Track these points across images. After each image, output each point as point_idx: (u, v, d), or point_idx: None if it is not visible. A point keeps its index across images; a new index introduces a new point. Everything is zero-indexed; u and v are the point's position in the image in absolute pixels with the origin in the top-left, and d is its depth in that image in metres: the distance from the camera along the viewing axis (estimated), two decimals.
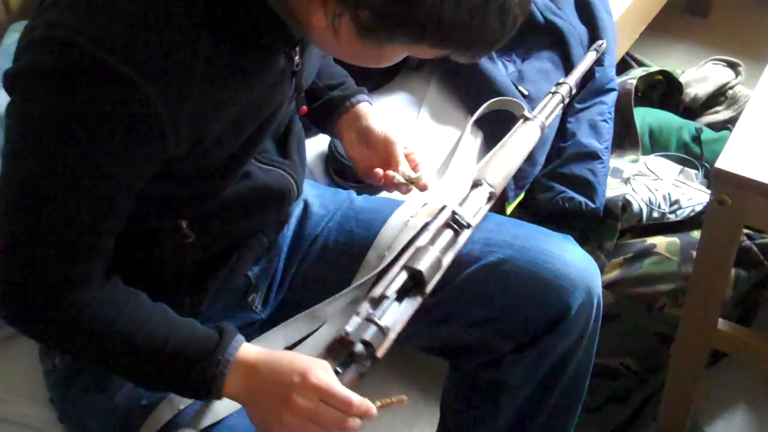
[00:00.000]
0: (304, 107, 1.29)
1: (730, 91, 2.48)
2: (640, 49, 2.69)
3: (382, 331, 1.12)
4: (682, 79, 2.48)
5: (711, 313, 1.68)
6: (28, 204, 1.01)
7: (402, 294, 1.18)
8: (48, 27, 0.96)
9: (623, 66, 2.56)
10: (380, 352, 1.12)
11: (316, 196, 1.48)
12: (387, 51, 1.06)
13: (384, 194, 1.48)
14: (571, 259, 1.37)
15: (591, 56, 1.61)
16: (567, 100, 1.54)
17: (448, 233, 1.26)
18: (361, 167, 1.41)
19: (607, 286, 1.89)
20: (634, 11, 2.39)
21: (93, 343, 1.08)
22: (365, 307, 1.15)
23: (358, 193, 1.51)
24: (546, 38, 2.01)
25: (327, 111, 1.40)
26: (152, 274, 1.21)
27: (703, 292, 1.65)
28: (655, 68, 2.44)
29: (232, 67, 1.05)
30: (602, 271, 1.90)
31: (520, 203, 1.94)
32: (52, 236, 1.02)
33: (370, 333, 1.11)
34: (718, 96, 2.49)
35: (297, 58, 1.16)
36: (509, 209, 1.87)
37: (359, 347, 1.10)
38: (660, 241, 1.94)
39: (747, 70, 2.52)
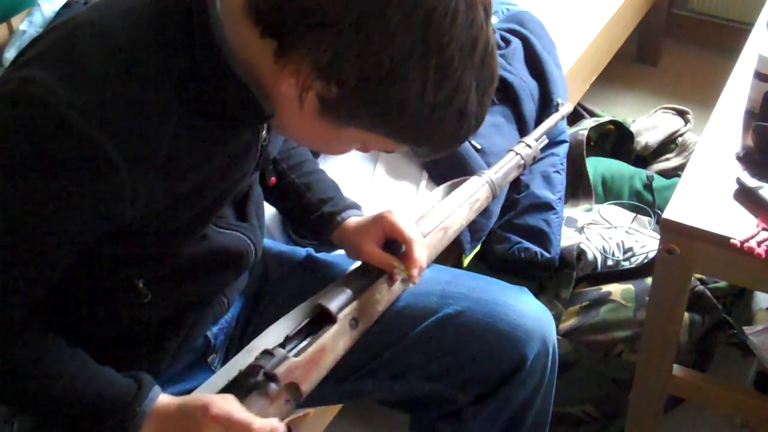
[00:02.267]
0: (273, 178, 1.32)
1: (679, 139, 2.54)
2: (591, 99, 2.75)
3: (284, 359, 1.17)
4: (633, 128, 2.53)
5: (665, 359, 1.70)
6: None
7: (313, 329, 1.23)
8: (23, 82, 0.97)
9: (575, 116, 2.61)
10: (280, 370, 1.16)
11: (275, 255, 1.49)
12: (343, 136, 1.08)
13: (342, 251, 1.50)
14: (526, 309, 1.39)
15: (554, 117, 1.63)
16: (528, 161, 1.56)
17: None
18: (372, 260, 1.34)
19: (564, 335, 1.92)
20: (584, 63, 2.45)
21: (11, 384, 1.10)
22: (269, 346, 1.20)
23: (317, 251, 1.53)
24: (497, 93, 2.05)
25: (321, 226, 1.41)
26: (109, 336, 1.22)
27: (656, 339, 1.68)
28: (606, 118, 2.50)
29: (199, 138, 1.07)
30: (559, 320, 1.92)
31: (476, 255, 1.96)
32: None
33: (270, 362, 1.16)
34: (669, 144, 2.54)
35: (264, 133, 1.19)
36: (466, 261, 1.89)
37: (260, 377, 1.14)
38: (615, 289, 1.97)
39: (696, 117, 2.58)
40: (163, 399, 1.14)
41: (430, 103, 1.01)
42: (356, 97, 1.00)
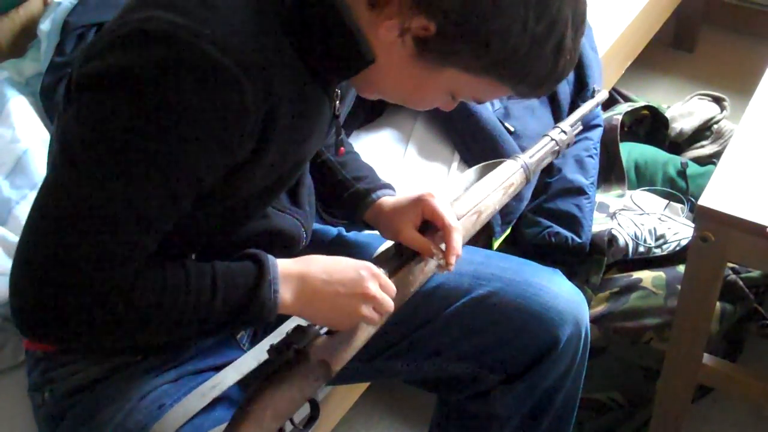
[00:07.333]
0: (342, 148, 1.33)
1: (715, 126, 2.51)
2: (626, 84, 2.72)
3: (316, 336, 1.19)
4: (668, 114, 2.50)
5: (696, 348, 1.69)
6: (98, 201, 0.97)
7: None
8: (143, 22, 0.97)
9: (609, 101, 2.59)
10: (311, 348, 1.18)
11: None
12: (437, 81, 1.10)
13: (372, 232, 1.49)
14: (559, 291, 1.39)
15: (590, 103, 1.61)
16: (562, 147, 1.54)
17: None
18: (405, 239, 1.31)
19: (593, 321, 1.90)
20: (620, 47, 2.42)
21: (144, 317, 1.03)
22: None
23: (347, 230, 1.52)
24: None
25: (354, 203, 1.40)
26: None
27: (687, 328, 1.66)
28: (641, 103, 2.47)
29: (303, 96, 1.09)
30: (589, 306, 1.90)
31: (506, 239, 1.95)
32: (107, 233, 0.98)
33: (302, 339, 1.17)
34: (704, 131, 2.51)
35: (337, 103, 1.20)
36: (496, 244, 1.88)
37: (291, 353, 1.16)
38: (646, 276, 1.96)
39: (732, 104, 2.55)
40: (284, 263, 1.13)
41: (530, 35, 1.03)
42: (457, 31, 1.02)
